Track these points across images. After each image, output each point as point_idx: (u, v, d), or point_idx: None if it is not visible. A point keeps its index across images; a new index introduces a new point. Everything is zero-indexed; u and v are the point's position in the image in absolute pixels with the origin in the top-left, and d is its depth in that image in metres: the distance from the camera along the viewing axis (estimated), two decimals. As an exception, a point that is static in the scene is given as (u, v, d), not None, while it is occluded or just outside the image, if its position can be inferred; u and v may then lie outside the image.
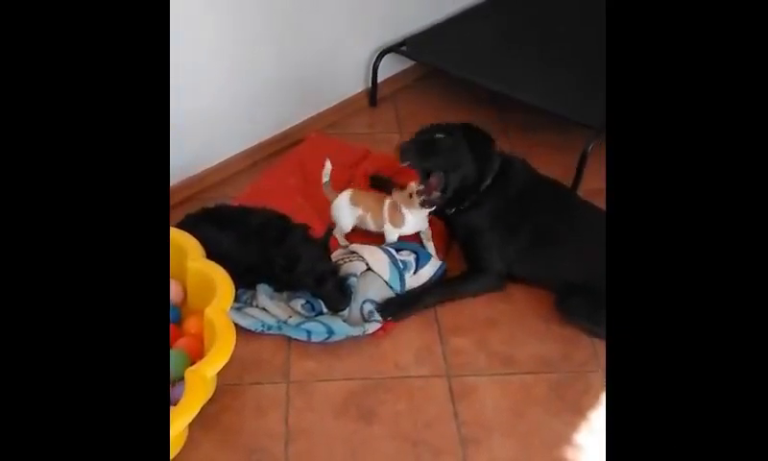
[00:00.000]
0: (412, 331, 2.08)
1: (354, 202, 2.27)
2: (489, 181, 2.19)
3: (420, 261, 2.18)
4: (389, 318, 2.06)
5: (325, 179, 2.31)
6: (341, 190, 2.31)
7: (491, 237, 2.18)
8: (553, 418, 1.85)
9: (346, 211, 2.27)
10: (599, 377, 1.96)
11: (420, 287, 2.16)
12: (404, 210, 2.21)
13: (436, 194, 2.14)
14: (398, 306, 2.09)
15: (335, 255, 2.16)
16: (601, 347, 2.04)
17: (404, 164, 2.16)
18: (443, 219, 2.32)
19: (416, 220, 2.23)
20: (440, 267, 2.21)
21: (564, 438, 1.81)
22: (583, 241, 2.12)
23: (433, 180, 2.15)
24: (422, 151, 2.15)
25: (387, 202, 2.25)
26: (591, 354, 2.02)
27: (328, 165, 2.30)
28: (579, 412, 1.87)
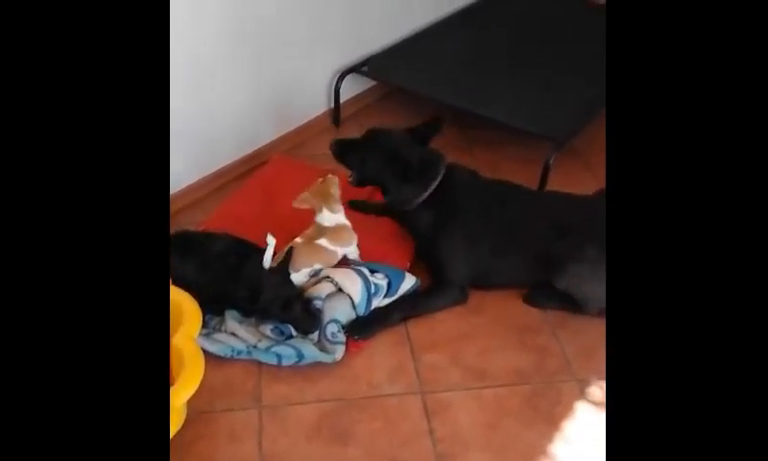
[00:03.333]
0: (384, 350, 2.07)
1: (293, 267, 2.09)
2: (432, 188, 2.20)
3: (393, 286, 2.16)
4: (356, 337, 2.05)
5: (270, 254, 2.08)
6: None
7: (449, 247, 2.19)
8: (527, 429, 1.86)
9: (304, 277, 2.13)
10: (571, 387, 1.97)
11: (389, 305, 2.15)
12: (342, 221, 2.18)
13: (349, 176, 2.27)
14: (365, 324, 2.08)
15: (305, 283, 2.14)
16: (573, 356, 2.06)
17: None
18: (400, 224, 2.37)
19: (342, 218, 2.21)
20: (414, 284, 2.21)
21: (538, 449, 1.81)
22: (543, 227, 2.17)
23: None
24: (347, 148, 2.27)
25: (325, 240, 2.14)
26: (564, 364, 2.04)
27: (271, 243, 2.07)
28: (552, 422, 1.87)
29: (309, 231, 2.18)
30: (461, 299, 2.20)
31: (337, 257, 2.18)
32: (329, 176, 2.22)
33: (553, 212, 2.23)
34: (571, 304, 2.16)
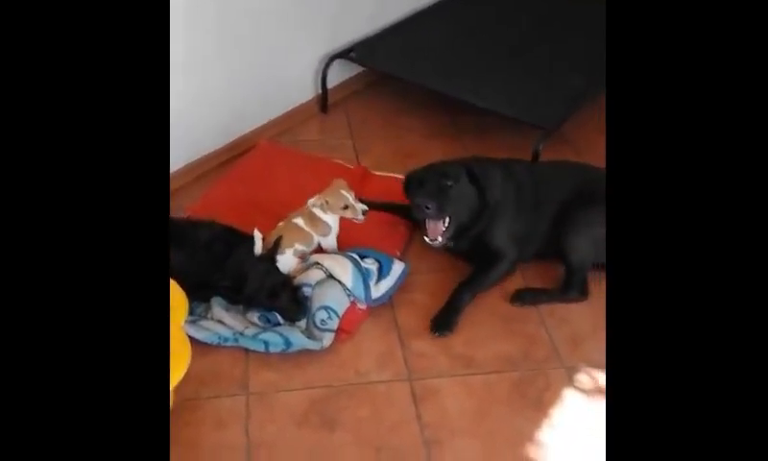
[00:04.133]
0: (372, 337, 2.06)
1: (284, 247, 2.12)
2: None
3: (384, 271, 2.15)
4: (446, 332, 2.06)
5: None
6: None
7: (500, 233, 2.24)
8: (515, 416, 1.86)
9: (282, 262, 2.11)
10: (559, 374, 1.97)
11: (454, 291, 2.15)
12: (323, 217, 2.18)
13: (441, 238, 2.18)
14: (446, 320, 2.08)
15: (295, 269, 2.13)
16: (561, 344, 2.06)
17: (424, 217, 2.16)
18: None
19: (335, 223, 2.21)
20: (404, 269, 2.20)
21: (526, 435, 1.81)
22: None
23: (440, 225, 2.17)
24: (439, 205, 2.13)
25: (301, 219, 2.17)
26: (551, 352, 2.04)
27: (258, 238, 2.11)
28: (541, 409, 1.88)
29: (293, 214, 2.20)
30: (513, 270, 2.27)
31: (313, 240, 2.18)
32: (339, 190, 2.18)
33: (572, 182, 2.30)
34: (557, 293, 2.19)
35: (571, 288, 2.17)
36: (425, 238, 2.20)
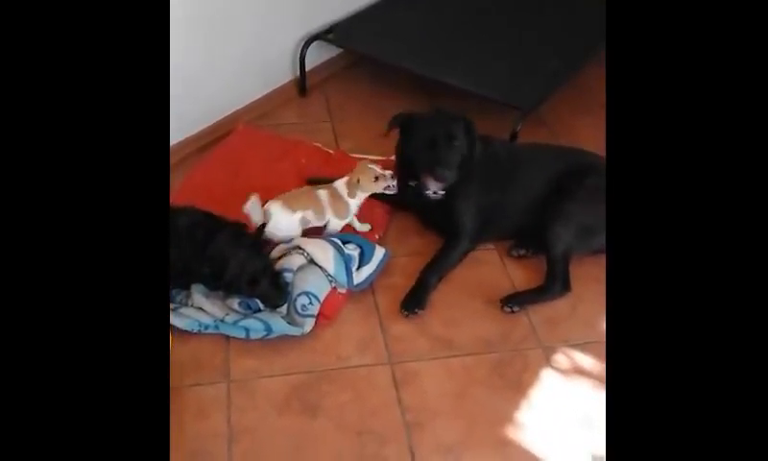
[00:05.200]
0: (353, 321, 2.07)
1: (290, 207, 2.17)
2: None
3: (365, 257, 2.16)
4: (417, 310, 2.07)
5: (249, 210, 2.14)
6: (265, 201, 2.18)
7: (465, 206, 2.26)
8: (495, 397, 1.88)
9: (286, 222, 2.15)
10: (538, 355, 2.00)
11: (420, 273, 2.17)
12: (347, 199, 2.19)
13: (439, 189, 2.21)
14: (416, 299, 2.10)
15: (277, 251, 2.13)
16: (539, 325, 2.08)
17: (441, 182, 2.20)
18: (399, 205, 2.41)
19: (356, 208, 2.23)
20: (385, 255, 2.21)
21: (506, 416, 1.84)
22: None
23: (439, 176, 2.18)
24: (452, 163, 2.18)
25: (325, 193, 2.20)
26: (529, 332, 2.06)
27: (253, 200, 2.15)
28: (519, 390, 1.90)
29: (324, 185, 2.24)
30: (472, 247, 2.30)
31: (324, 216, 2.20)
32: (366, 166, 2.22)
33: (552, 167, 2.31)
34: (541, 292, 2.17)
35: (555, 281, 2.15)
36: (427, 193, 2.22)
